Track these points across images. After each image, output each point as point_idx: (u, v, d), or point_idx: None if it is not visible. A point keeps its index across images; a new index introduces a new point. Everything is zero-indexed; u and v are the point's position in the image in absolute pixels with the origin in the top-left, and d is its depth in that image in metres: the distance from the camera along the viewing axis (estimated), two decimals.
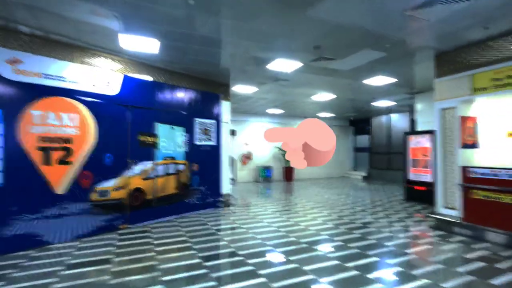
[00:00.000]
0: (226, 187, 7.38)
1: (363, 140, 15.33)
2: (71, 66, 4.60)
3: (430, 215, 5.44)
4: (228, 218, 5.98)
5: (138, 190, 5.44)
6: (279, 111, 12.46)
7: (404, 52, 5.20)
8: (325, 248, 4.13)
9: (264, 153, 13.57)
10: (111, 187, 5.03)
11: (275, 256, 3.80)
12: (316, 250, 4.04)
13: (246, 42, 4.83)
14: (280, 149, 13.41)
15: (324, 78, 6.99)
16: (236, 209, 6.89)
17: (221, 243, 4.34)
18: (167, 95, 5.99)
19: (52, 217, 4.30)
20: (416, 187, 7.95)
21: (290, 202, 7.78)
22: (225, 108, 7.43)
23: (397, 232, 4.97)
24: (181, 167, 6.24)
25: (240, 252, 3.93)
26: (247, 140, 13.25)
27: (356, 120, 15.67)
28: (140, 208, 5.46)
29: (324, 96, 9.20)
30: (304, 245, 4.23)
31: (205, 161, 6.72)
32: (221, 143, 7.13)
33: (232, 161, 13.17)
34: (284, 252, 3.93)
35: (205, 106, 6.75)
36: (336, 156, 15.09)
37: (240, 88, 8.06)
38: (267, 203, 7.64)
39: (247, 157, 13.15)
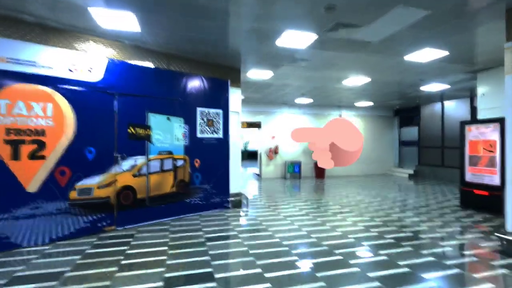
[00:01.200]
0: (236, 186, 6.54)
1: (411, 132, 13.27)
2: (44, 50, 4.10)
3: (495, 233, 3.97)
4: (231, 223, 5.14)
5: (127, 188, 4.87)
6: (308, 100, 11.20)
7: (458, 7, 3.75)
8: (333, 276, 3.04)
9: (293, 147, 12.44)
10: (94, 184, 4.51)
11: (258, 286, 2.84)
12: (318, 279, 2.98)
13: (241, 9, 3.86)
14: None
15: (351, 55, 5.68)
16: (247, 211, 6.02)
17: (203, 258, 3.51)
18: (162, 82, 5.30)
19: (22, 217, 3.88)
20: (476, 191, 6.24)
21: (312, 205, 6.66)
22: (235, 96, 6.55)
23: (444, 256, 3.64)
24: (179, 162, 5.55)
25: (218, 275, 3.05)
26: (273, 133, 12.25)
27: (401, 110, 13.63)
28: (131, 208, 4.88)
29: (357, 80, 7.77)
30: (307, 271, 3.20)
31: (209, 156, 5.94)
32: (230, 136, 6.28)
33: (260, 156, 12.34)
34: (273, 280, 2.95)
35: (209, 94, 5.94)
36: (377, 150, 13.36)
37: (254, 73, 7.10)
38: (285, 205, 6.62)
39: (273, 152, 12.16)
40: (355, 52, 5.49)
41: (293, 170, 11.87)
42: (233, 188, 6.44)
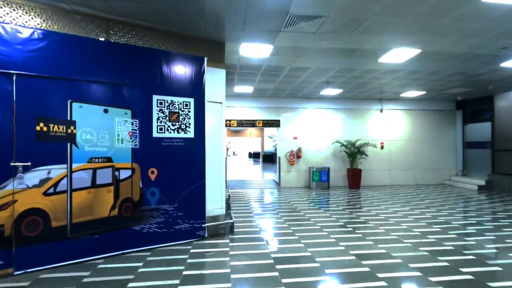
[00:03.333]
0: (217, 204, 4.70)
1: (480, 130, 10.11)
2: None
3: None
4: (184, 271, 3.29)
5: (35, 212, 3.31)
6: (337, 91, 8.89)
7: None
8: None
9: (319, 149, 10.18)
10: None
11: None
12: None
13: None
14: (343, 145, 9.85)
15: (385, 1, 3.48)
16: (226, 246, 4.12)
17: None
18: (96, 58, 3.67)
19: None
20: None
21: (327, 237, 4.52)
22: (216, 79, 4.73)
23: None
24: (124, 174, 3.87)
25: None
26: (296, 133, 10.13)
27: (466, 101, 10.50)
28: (40, 242, 3.31)
29: (401, 53, 5.40)
30: None
31: (173, 164, 4.18)
32: (206, 135, 4.46)
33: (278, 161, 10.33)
34: None
35: (174, 76, 4.20)
36: (433, 154, 10.56)
37: (248, 49, 5.19)
38: (287, 236, 4.59)
39: (295, 155, 10.04)
40: None
41: (319, 178, 9.61)
42: (212, 209, 4.61)
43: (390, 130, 10.55)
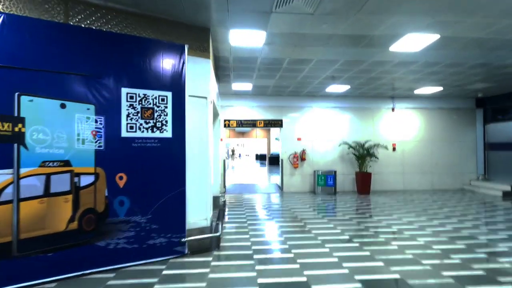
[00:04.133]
0: (200, 215, 4.07)
1: (504, 130, 9.18)
2: None
3: None
4: None
5: None
6: (344, 88, 8.16)
7: None
8: None
9: (325, 151, 9.45)
10: None
11: None
12: None
13: None
14: (351, 146, 9.09)
15: None
16: (207, 266, 3.49)
17: None
18: (53, 44, 3.13)
19: None
20: None
21: (331, 251, 3.82)
22: (200, 71, 4.12)
23: None
24: (86, 180, 3.29)
25: None
26: (299, 133, 9.44)
27: (488, 98, 9.57)
28: None
29: (416, 40, 4.66)
30: None
31: (146, 167, 3.59)
32: (187, 135, 3.85)
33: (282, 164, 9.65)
34: None
35: (148, 66, 3.62)
36: (450, 156, 9.67)
37: (238, 37, 4.57)
38: (283, 248, 3.92)
39: (299, 157, 9.34)
40: None
41: (325, 182, 8.87)
42: (197, 220, 3.99)
43: (403, 130, 9.73)
